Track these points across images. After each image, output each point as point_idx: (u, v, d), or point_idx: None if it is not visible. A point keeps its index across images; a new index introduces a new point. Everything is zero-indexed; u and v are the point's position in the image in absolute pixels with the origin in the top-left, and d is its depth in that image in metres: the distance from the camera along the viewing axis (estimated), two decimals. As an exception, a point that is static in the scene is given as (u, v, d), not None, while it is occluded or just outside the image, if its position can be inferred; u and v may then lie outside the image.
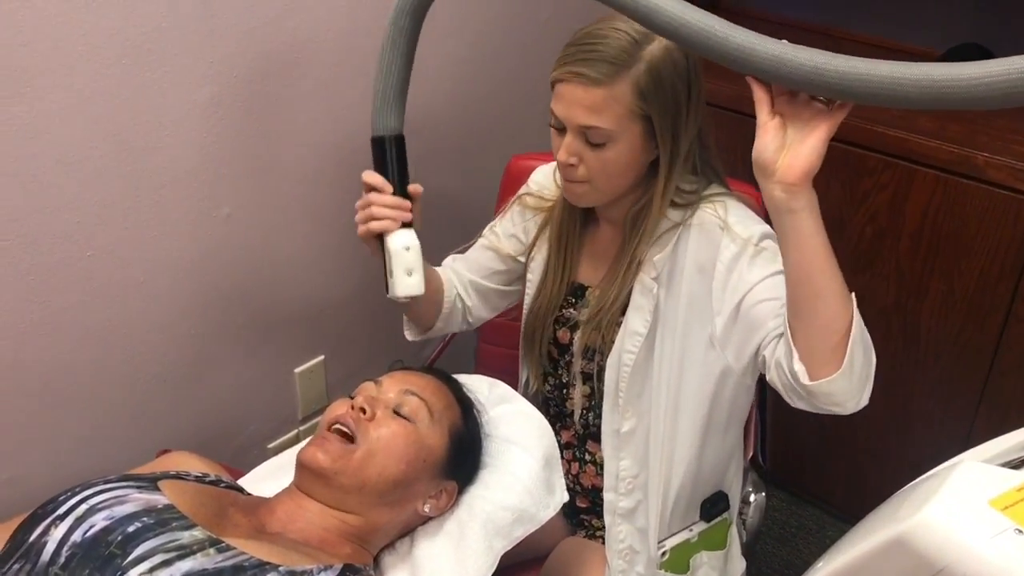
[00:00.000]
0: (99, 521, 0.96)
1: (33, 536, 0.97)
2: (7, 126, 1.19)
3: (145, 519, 0.97)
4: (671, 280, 1.30)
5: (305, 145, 1.59)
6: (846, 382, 1.08)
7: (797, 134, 0.98)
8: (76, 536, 0.95)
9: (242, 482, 1.29)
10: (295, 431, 1.84)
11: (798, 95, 0.97)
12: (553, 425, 1.37)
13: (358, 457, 1.11)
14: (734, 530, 1.50)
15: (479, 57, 1.88)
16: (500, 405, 1.37)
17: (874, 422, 2.08)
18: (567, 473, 1.45)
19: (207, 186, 1.46)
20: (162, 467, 1.19)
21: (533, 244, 1.46)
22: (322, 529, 1.10)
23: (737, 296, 1.24)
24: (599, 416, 1.40)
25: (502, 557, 1.18)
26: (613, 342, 1.34)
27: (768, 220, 1.19)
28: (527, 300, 1.48)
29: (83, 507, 0.98)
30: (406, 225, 1.26)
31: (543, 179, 1.49)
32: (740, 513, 1.53)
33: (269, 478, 1.32)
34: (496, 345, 1.76)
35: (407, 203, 1.26)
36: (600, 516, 1.44)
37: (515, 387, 1.45)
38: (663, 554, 1.41)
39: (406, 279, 1.25)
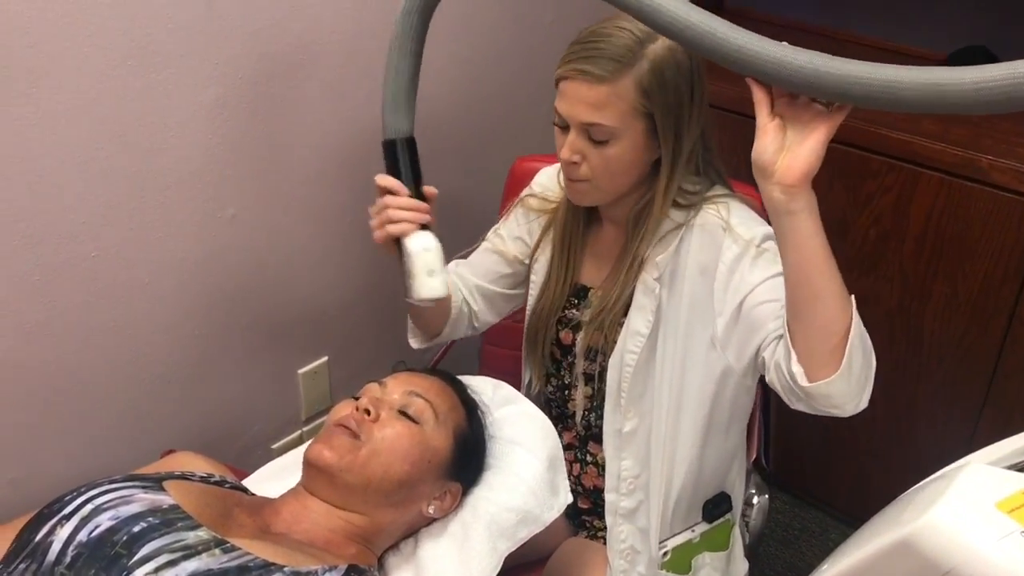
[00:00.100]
0: (105, 521, 0.96)
1: (39, 536, 0.97)
2: (13, 127, 1.20)
3: (151, 519, 0.97)
4: (673, 281, 1.30)
5: (310, 146, 1.59)
6: (844, 384, 1.08)
7: (797, 136, 0.99)
8: (82, 536, 0.95)
9: (246, 483, 1.29)
10: (299, 432, 1.84)
11: (798, 97, 0.98)
12: (555, 426, 1.37)
13: (363, 455, 1.11)
14: (736, 532, 1.50)
15: (484, 59, 1.88)
16: (504, 406, 1.37)
17: (878, 424, 2.08)
18: (568, 474, 1.45)
19: (212, 187, 1.47)
20: (167, 467, 1.19)
21: (537, 246, 1.46)
22: (327, 530, 1.10)
23: (738, 297, 1.24)
24: (601, 417, 1.40)
25: (505, 558, 1.18)
26: (615, 343, 1.34)
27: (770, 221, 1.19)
28: (530, 301, 1.48)
29: (89, 507, 0.98)
30: (423, 227, 1.25)
31: (546, 181, 1.49)
32: (743, 515, 1.53)
33: (273, 479, 1.32)
34: (500, 346, 1.76)
35: (424, 204, 1.25)
36: (602, 517, 1.44)
37: (518, 388, 1.45)
38: (664, 554, 1.41)
39: (428, 281, 1.23)
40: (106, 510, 0.97)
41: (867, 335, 1.11)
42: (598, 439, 1.43)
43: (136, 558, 0.92)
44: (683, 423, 1.34)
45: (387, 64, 1.21)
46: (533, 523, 1.23)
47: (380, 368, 1.85)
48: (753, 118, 1.01)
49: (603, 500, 1.42)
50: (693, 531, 1.43)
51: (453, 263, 1.54)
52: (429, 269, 1.23)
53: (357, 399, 1.19)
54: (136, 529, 0.95)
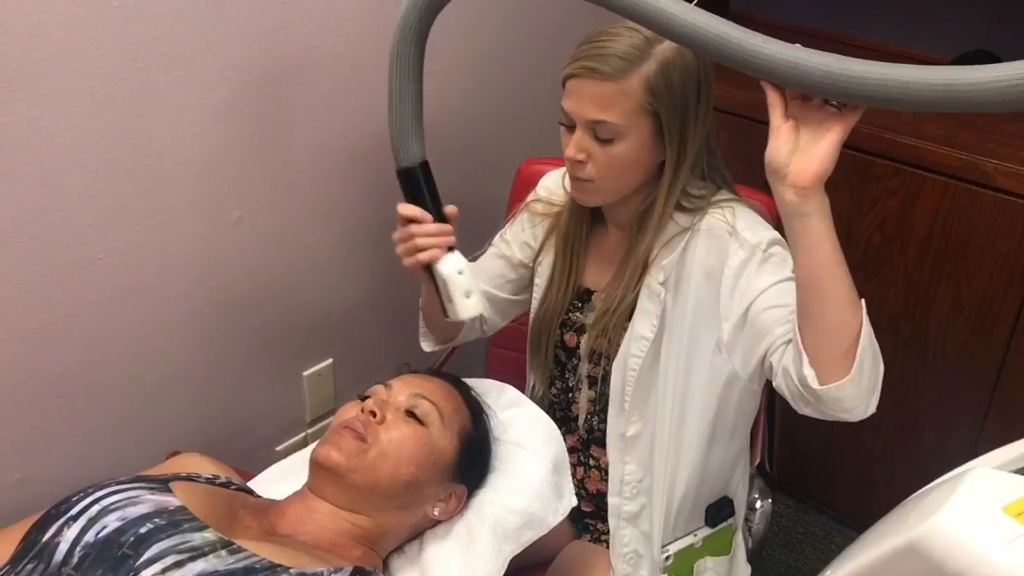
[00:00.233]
0: (112, 522, 0.96)
1: (46, 536, 0.97)
2: (21, 129, 1.20)
3: (157, 520, 0.97)
4: (678, 285, 1.30)
5: (316, 149, 1.60)
6: (855, 388, 1.08)
7: (810, 137, 0.99)
8: (89, 537, 0.95)
9: (252, 484, 1.29)
10: (303, 434, 1.84)
11: (811, 99, 0.98)
12: (558, 429, 1.37)
13: (371, 457, 1.11)
14: (739, 536, 1.50)
15: (490, 61, 1.88)
16: (509, 409, 1.37)
17: (882, 428, 2.08)
18: (572, 477, 1.45)
19: (218, 190, 1.47)
20: (173, 469, 1.19)
21: (540, 248, 1.46)
22: (332, 532, 1.10)
23: (745, 302, 1.24)
24: (604, 421, 1.40)
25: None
26: (619, 346, 1.34)
27: (778, 226, 1.19)
28: (534, 304, 1.48)
29: (96, 508, 0.98)
30: (450, 248, 1.25)
31: (552, 185, 1.49)
32: (746, 519, 1.53)
33: (279, 481, 1.32)
34: (506, 349, 1.77)
35: (448, 227, 1.25)
36: (605, 520, 1.44)
37: (523, 391, 1.45)
38: (667, 558, 1.40)
39: (466, 301, 1.24)
40: (113, 511, 0.98)
41: (875, 340, 1.11)
42: (601, 443, 1.43)
43: (143, 559, 0.92)
44: (687, 428, 1.34)
45: (390, 92, 1.20)
46: (538, 526, 1.22)
47: (385, 370, 1.85)
48: (761, 122, 1.01)
49: (606, 504, 1.42)
50: (696, 535, 1.43)
51: None
52: (466, 290, 1.23)
53: (363, 400, 1.19)
54: (143, 530, 0.95)
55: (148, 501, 1.00)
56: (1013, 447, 0.98)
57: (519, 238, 1.49)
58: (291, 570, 0.98)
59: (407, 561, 1.19)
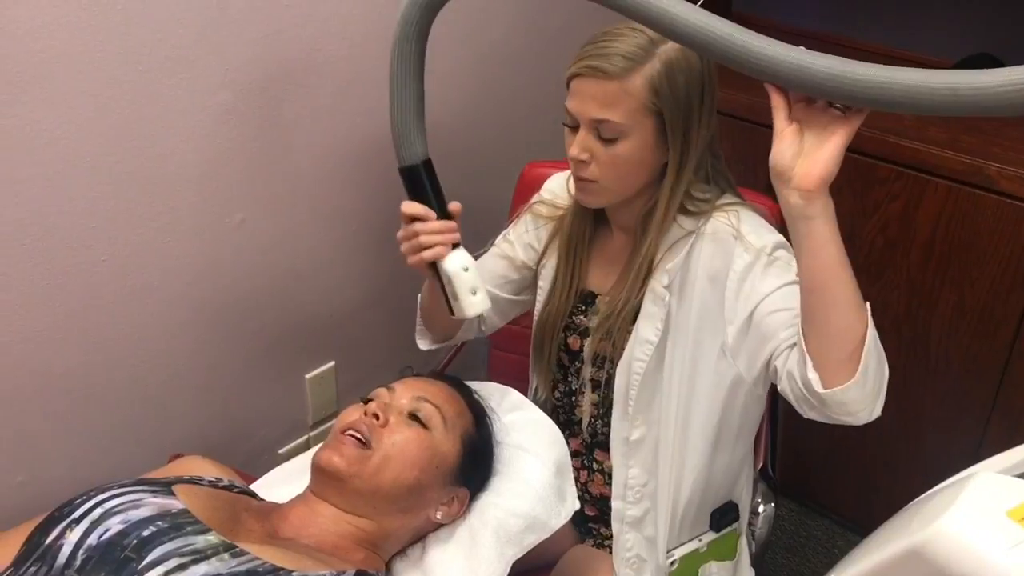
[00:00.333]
0: (114, 525, 0.96)
1: (49, 539, 0.97)
2: (24, 132, 1.20)
3: (160, 523, 0.97)
4: (683, 289, 1.30)
5: (318, 152, 1.60)
6: (859, 391, 1.08)
7: (814, 140, 0.99)
8: (92, 540, 0.95)
9: (254, 487, 1.29)
10: (305, 436, 1.84)
11: (815, 101, 0.98)
12: (562, 432, 1.37)
13: (374, 462, 1.11)
14: (744, 541, 1.50)
15: (494, 64, 1.88)
16: (512, 412, 1.37)
17: (885, 432, 2.08)
18: (575, 481, 1.45)
19: (221, 192, 1.47)
20: (176, 471, 1.19)
21: (544, 251, 1.46)
22: (335, 535, 1.10)
23: (750, 306, 1.23)
24: (607, 424, 1.40)
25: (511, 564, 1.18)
26: (623, 350, 1.34)
27: (782, 230, 1.19)
28: (537, 307, 1.48)
29: (99, 511, 0.98)
30: (454, 245, 1.24)
31: (556, 187, 1.49)
32: (749, 524, 1.52)
33: (281, 484, 1.32)
34: (508, 352, 1.77)
35: (453, 224, 1.25)
36: (608, 525, 1.44)
37: (525, 394, 1.45)
38: (672, 563, 1.40)
39: (472, 299, 1.23)
40: (116, 514, 0.98)
41: (880, 344, 1.10)
42: (604, 447, 1.43)
43: (146, 562, 0.92)
44: (692, 432, 1.34)
45: (391, 90, 1.19)
46: (540, 529, 1.23)
47: (387, 373, 1.84)
48: (763, 125, 1.01)
49: (610, 508, 1.42)
50: (700, 540, 1.43)
51: None
52: (471, 287, 1.23)
53: (365, 403, 1.19)
54: (146, 533, 0.95)
55: (151, 504, 1.00)
56: (1017, 451, 0.98)
57: (522, 239, 1.49)
58: (293, 573, 0.98)
59: (409, 564, 1.19)
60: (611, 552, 1.43)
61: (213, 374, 1.59)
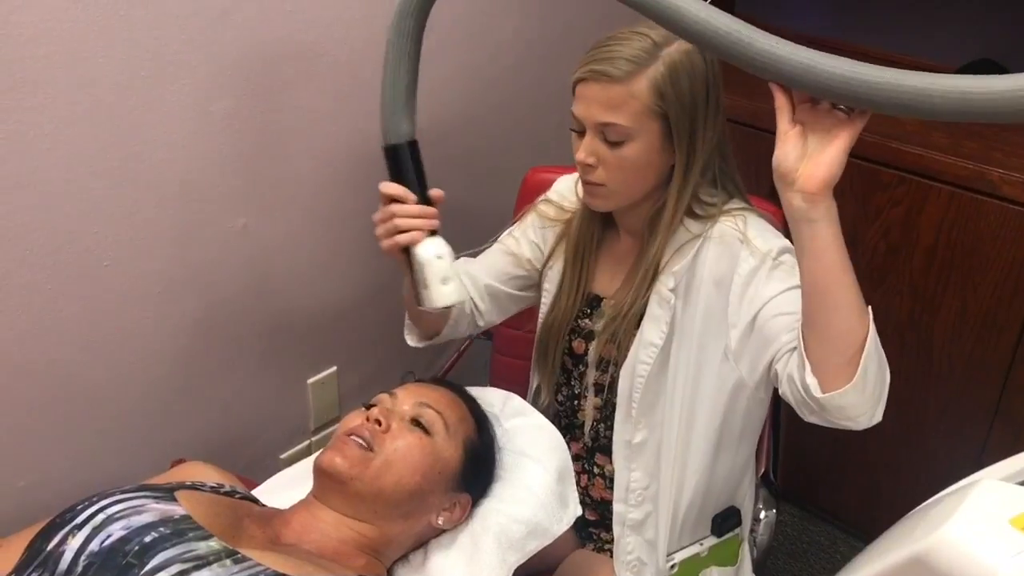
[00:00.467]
0: (116, 531, 0.96)
1: (51, 545, 0.97)
2: (27, 137, 1.20)
3: (162, 529, 0.97)
4: (688, 292, 1.30)
5: (320, 157, 1.60)
6: (858, 395, 1.07)
7: (818, 143, 0.98)
8: (93, 546, 0.95)
9: (256, 493, 1.29)
10: (307, 442, 1.84)
11: (819, 103, 0.97)
12: (563, 437, 1.37)
13: (376, 465, 1.11)
14: (746, 547, 1.49)
15: (497, 68, 1.88)
16: (514, 418, 1.37)
17: (887, 437, 2.08)
18: (576, 485, 1.45)
19: (224, 197, 1.47)
20: (178, 477, 1.19)
21: (550, 255, 1.46)
22: (337, 540, 1.10)
23: (753, 309, 1.23)
24: (610, 428, 1.40)
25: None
26: (627, 353, 1.34)
27: (788, 235, 1.19)
28: (542, 311, 1.47)
29: (100, 516, 0.98)
30: (432, 232, 1.21)
31: (564, 189, 1.49)
32: (751, 530, 1.52)
33: (283, 489, 1.32)
34: (510, 356, 1.76)
35: (432, 210, 1.22)
36: (608, 529, 1.44)
37: (523, 397, 1.45)
38: (672, 567, 1.40)
39: (442, 288, 1.20)
40: (118, 520, 0.98)
41: (882, 349, 1.10)
42: (605, 450, 1.42)
43: (147, 568, 0.92)
44: (695, 435, 1.34)
45: (385, 67, 1.16)
46: (542, 535, 1.22)
47: (389, 378, 1.85)
48: (765, 131, 1.01)
49: (611, 512, 1.42)
50: (701, 545, 1.42)
51: (462, 261, 1.51)
52: (443, 277, 1.20)
53: (367, 408, 1.19)
54: (148, 539, 0.95)
55: (153, 510, 1.00)
56: (1019, 458, 0.98)
57: (528, 236, 1.49)
58: (295, 579, 0.98)
59: (411, 570, 1.19)
60: (611, 556, 1.43)
61: (215, 379, 1.59)
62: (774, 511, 1.53)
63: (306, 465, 1.34)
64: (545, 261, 1.47)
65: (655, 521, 1.39)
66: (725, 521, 1.44)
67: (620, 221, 1.38)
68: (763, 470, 1.57)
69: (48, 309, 1.31)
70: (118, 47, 1.25)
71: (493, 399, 1.39)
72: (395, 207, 1.21)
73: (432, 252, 1.20)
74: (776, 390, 1.25)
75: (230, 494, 1.17)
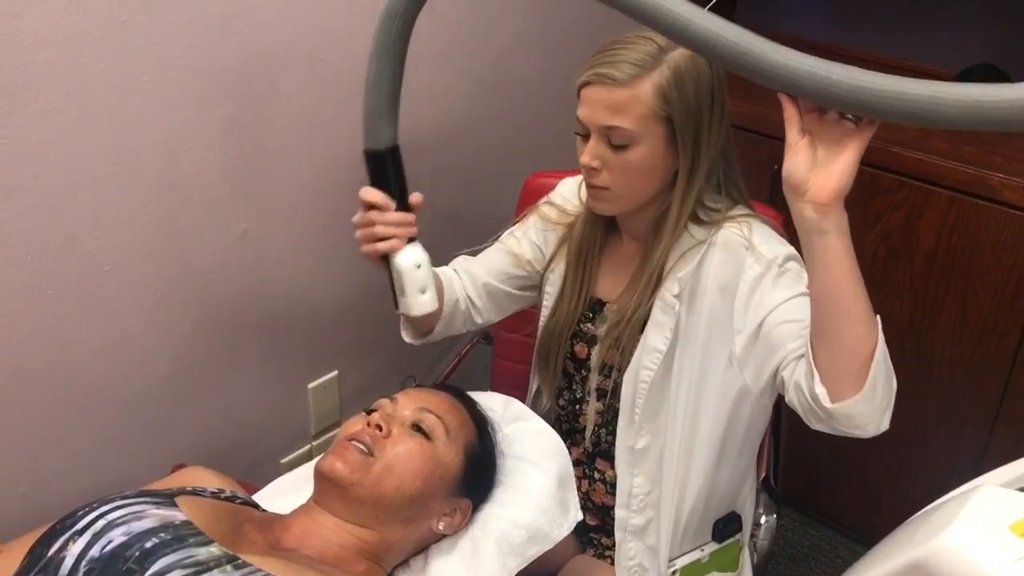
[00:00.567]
0: (117, 537, 0.96)
1: (51, 551, 0.97)
2: (29, 142, 1.21)
3: (163, 535, 0.97)
4: (693, 298, 1.30)
5: (322, 162, 1.60)
6: (867, 405, 1.07)
7: (827, 153, 0.97)
8: (94, 551, 0.95)
9: (256, 498, 1.29)
10: (308, 446, 1.84)
11: (827, 113, 0.96)
12: (563, 441, 1.37)
13: (377, 470, 1.11)
14: (746, 552, 1.49)
15: (497, 74, 1.89)
16: (515, 423, 1.37)
17: (888, 442, 2.06)
18: (577, 490, 1.45)
19: (225, 202, 1.48)
20: (178, 482, 1.19)
21: (551, 258, 1.46)
22: (337, 546, 1.10)
23: (759, 316, 1.23)
24: (611, 433, 1.40)
25: (514, 575, 1.18)
26: (631, 358, 1.34)
27: (792, 241, 1.19)
28: (544, 314, 1.47)
29: (101, 522, 0.98)
30: (411, 239, 1.22)
31: (567, 192, 1.49)
32: (751, 535, 1.52)
33: (284, 494, 1.32)
34: (511, 361, 1.76)
35: (411, 217, 1.22)
36: (609, 534, 1.44)
37: (523, 401, 1.45)
38: (673, 573, 1.40)
39: (420, 297, 1.22)
40: (118, 525, 0.98)
41: (889, 356, 1.10)
42: (607, 456, 1.42)
43: (148, 574, 0.92)
44: (698, 442, 1.34)
45: (369, 69, 1.14)
46: (543, 540, 1.22)
47: (390, 383, 1.85)
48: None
49: (612, 517, 1.42)
50: (702, 550, 1.42)
51: (462, 259, 1.51)
52: (421, 286, 1.21)
53: (368, 413, 1.19)
54: (148, 545, 0.95)
55: (153, 516, 1.00)
56: (1020, 464, 0.97)
57: (530, 237, 1.49)
58: (295, 585, 0.98)
59: (412, 575, 1.19)
60: (612, 562, 1.43)
61: (216, 383, 1.60)
62: (775, 516, 1.53)
63: (307, 470, 1.34)
64: (547, 264, 1.47)
65: (657, 527, 1.39)
66: (726, 527, 1.43)
67: (623, 225, 1.38)
68: (764, 475, 1.57)
69: (49, 314, 1.31)
70: (119, 53, 1.25)
71: (494, 403, 1.39)
72: (375, 215, 1.21)
73: (411, 261, 1.21)
74: (779, 396, 1.25)
75: (231, 499, 1.17)
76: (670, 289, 1.30)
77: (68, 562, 0.95)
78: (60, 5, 1.17)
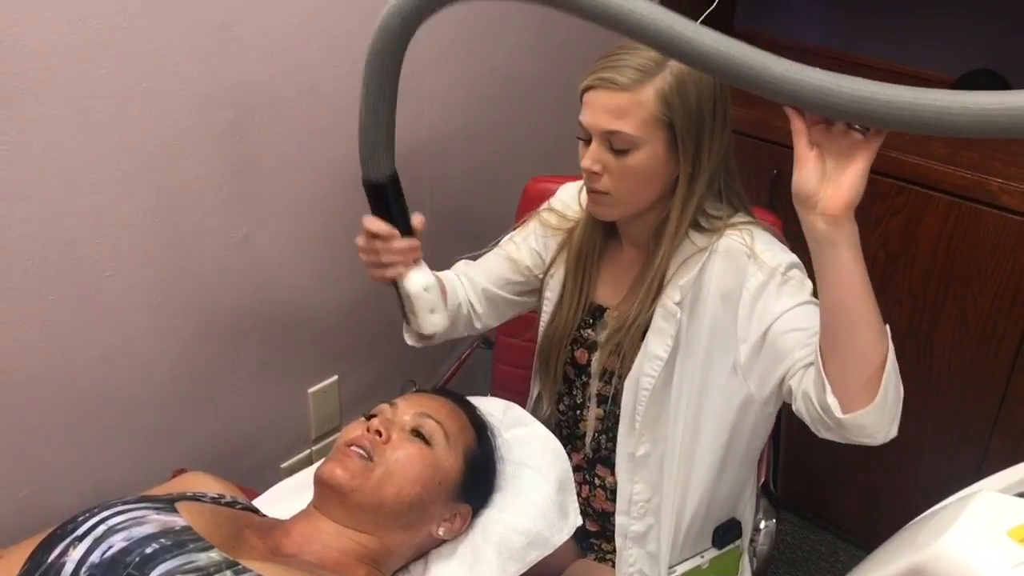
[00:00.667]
0: (117, 542, 0.96)
1: (52, 556, 0.97)
2: (30, 147, 1.21)
3: (163, 540, 0.97)
4: (695, 305, 1.29)
5: (322, 168, 1.61)
6: (879, 415, 1.07)
7: (836, 164, 0.97)
8: (94, 557, 0.95)
9: (257, 503, 1.29)
10: (308, 451, 1.84)
11: (834, 124, 0.95)
12: (563, 447, 1.37)
13: (377, 476, 1.11)
14: (746, 558, 1.49)
15: (497, 80, 1.89)
16: (515, 428, 1.37)
17: (887, 447, 2.04)
18: (577, 496, 1.45)
19: (225, 208, 1.48)
20: (179, 488, 1.19)
21: (551, 263, 1.46)
22: (337, 551, 1.10)
23: (763, 324, 1.23)
24: (612, 439, 1.40)
25: (513, 580, 1.18)
26: (632, 365, 1.34)
27: (793, 246, 1.19)
28: (544, 320, 1.47)
29: (102, 528, 0.98)
30: (416, 260, 1.25)
31: (567, 198, 1.49)
32: (751, 540, 1.52)
33: (284, 500, 1.32)
34: (511, 366, 1.76)
35: (416, 242, 1.25)
36: (610, 540, 1.44)
37: (523, 406, 1.45)
38: (674, 579, 1.40)
39: (431, 317, 1.25)
40: (119, 531, 0.98)
41: (897, 366, 1.09)
42: (607, 462, 1.42)
43: (148, 579, 0.92)
44: (699, 450, 1.34)
45: (362, 103, 1.13)
46: (543, 545, 1.22)
47: (390, 388, 1.85)
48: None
49: (612, 523, 1.42)
50: (702, 557, 1.42)
51: (462, 263, 1.52)
52: (431, 307, 1.25)
53: (368, 418, 1.19)
54: (148, 550, 0.95)
55: (154, 521, 1.00)
56: (1018, 469, 0.97)
57: (529, 243, 1.49)
58: (296, 590, 0.98)
59: (412, 581, 1.19)
60: (613, 567, 1.43)
61: (216, 388, 1.60)
62: (774, 521, 1.53)
63: (307, 475, 1.35)
64: (546, 269, 1.47)
65: (657, 534, 1.39)
66: (726, 533, 1.43)
67: (624, 231, 1.38)
68: (763, 479, 1.57)
69: (49, 319, 1.31)
70: (120, 59, 1.26)
71: (493, 408, 1.39)
72: (379, 244, 1.23)
73: (420, 285, 1.25)
74: (784, 404, 1.25)
75: (231, 505, 1.17)
76: (672, 296, 1.30)
77: (69, 567, 0.95)
78: (61, 12, 1.18)
